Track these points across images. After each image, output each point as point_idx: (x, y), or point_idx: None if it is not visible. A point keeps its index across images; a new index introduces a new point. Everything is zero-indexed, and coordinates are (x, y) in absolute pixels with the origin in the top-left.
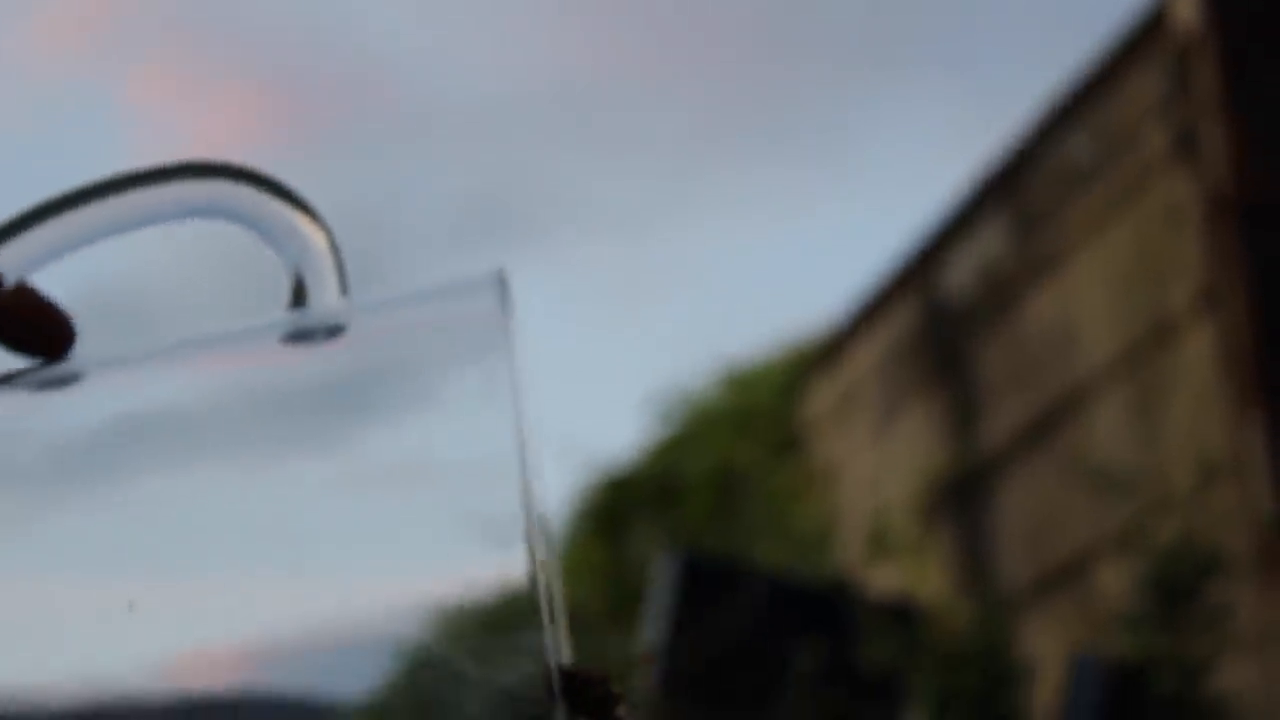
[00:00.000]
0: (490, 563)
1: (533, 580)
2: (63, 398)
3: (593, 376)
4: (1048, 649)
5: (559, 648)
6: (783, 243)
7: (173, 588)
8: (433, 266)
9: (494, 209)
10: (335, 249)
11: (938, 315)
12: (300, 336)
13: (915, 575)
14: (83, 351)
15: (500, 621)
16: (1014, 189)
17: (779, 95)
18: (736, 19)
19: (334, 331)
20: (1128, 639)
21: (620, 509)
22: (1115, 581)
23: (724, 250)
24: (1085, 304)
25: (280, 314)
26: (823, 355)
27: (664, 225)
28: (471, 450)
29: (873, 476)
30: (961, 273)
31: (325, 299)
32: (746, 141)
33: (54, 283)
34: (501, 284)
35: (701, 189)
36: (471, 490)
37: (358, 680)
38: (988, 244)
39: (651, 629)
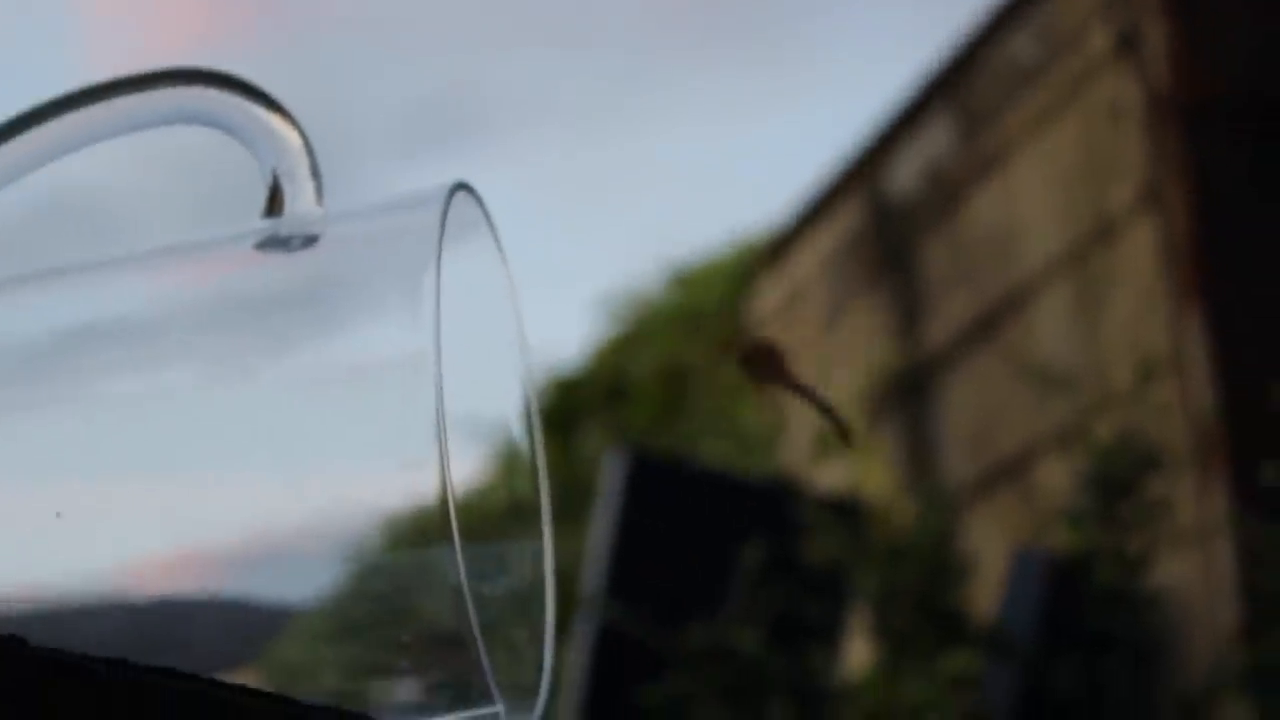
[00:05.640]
0: (429, 462)
1: (443, 485)
2: (30, 301)
3: (541, 277)
4: (990, 545)
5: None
6: (731, 143)
7: (117, 491)
8: (382, 168)
9: (444, 110)
10: (311, 154)
11: (883, 214)
12: (275, 244)
13: (861, 472)
14: (56, 254)
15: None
16: (958, 89)
17: None
18: None
19: (308, 241)
20: (1068, 534)
21: (569, 408)
22: (1057, 477)
23: (673, 151)
24: (1028, 203)
25: (256, 221)
26: (769, 254)
27: (614, 126)
28: (398, 354)
29: (819, 374)
30: (906, 172)
31: (302, 203)
32: (696, 42)
33: (25, 187)
34: (450, 196)
35: (651, 90)
36: (408, 393)
37: (309, 583)
38: (932, 143)
39: (598, 526)
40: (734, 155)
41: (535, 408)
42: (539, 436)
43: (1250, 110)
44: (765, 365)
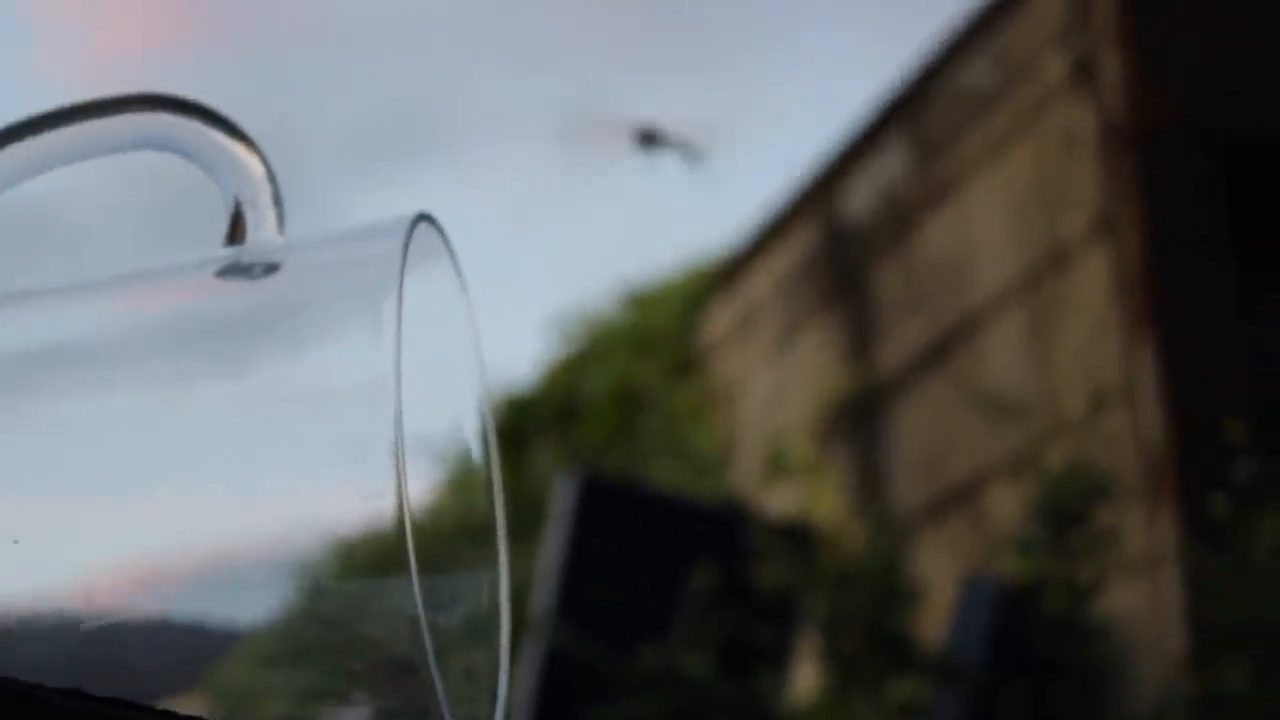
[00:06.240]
0: (371, 485)
1: (400, 509)
2: None
3: (493, 294)
4: (940, 571)
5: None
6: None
7: (70, 512)
8: (337, 182)
9: (401, 122)
10: (274, 182)
11: (837, 238)
12: (237, 272)
13: (811, 496)
14: (11, 271)
15: (389, 553)
16: (914, 114)
17: (688, 13)
18: None
19: (270, 269)
20: (1018, 561)
21: (520, 427)
22: (1007, 504)
23: (628, 167)
24: (982, 230)
25: (218, 248)
26: (723, 276)
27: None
28: (356, 379)
29: (771, 398)
30: (861, 196)
31: (264, 231)
32: (651, 62)
33: None
34: (412, 226)
35: (607, 105)
36: (357, 416)
37: (261, 606)
38: (887, 168)
39: (549, 548)
40: (689, 175)
41: (494, 440)
42: (497, 470)
43: (1204, 140)
44: None
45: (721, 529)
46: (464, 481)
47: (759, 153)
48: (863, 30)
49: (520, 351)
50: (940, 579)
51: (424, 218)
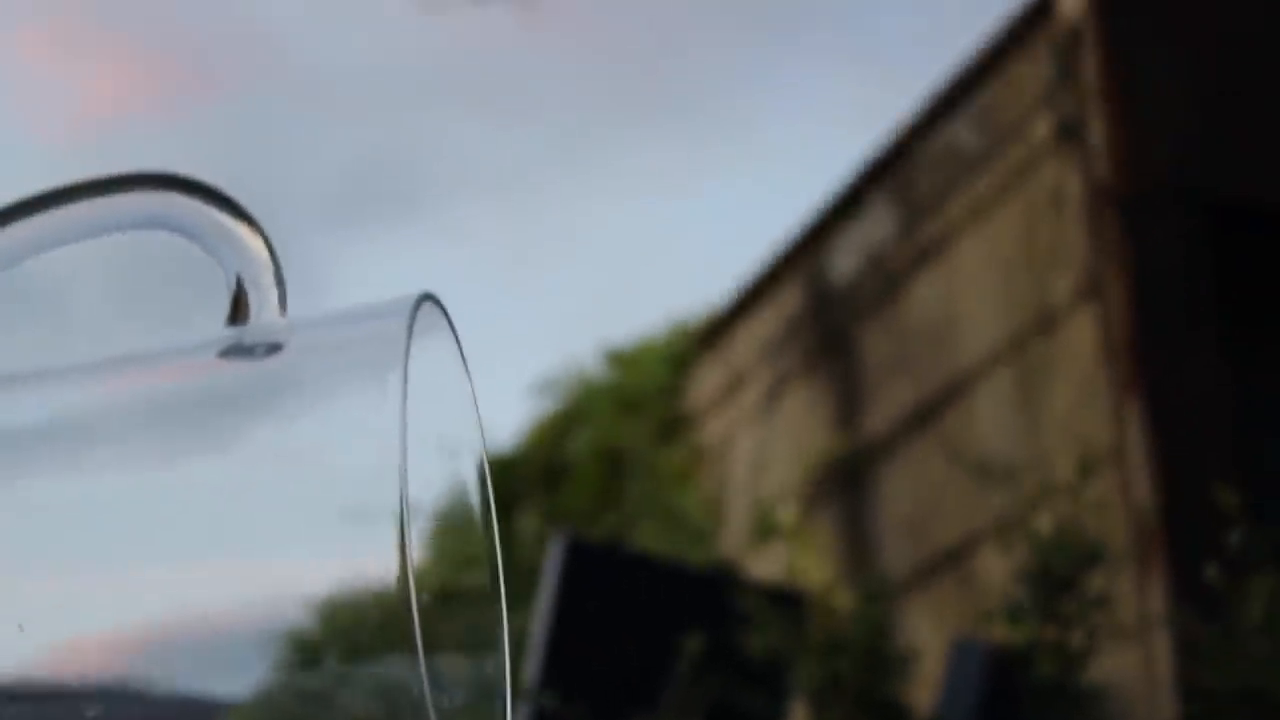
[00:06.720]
0: (368, 556)
1: (404, 576)
2: None
3: (476, 352)
4: (929, 635)
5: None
6: (672, 217)
7: (55, 580)
8: (316, 238)
9: (380, 178)
10: (276, 262)
11: (823, 299)
12: (239, 352)
13: (799, 560)
14: (8, 346)
15: (382, 620)
16: (900, 174)
17: (670, 68)
18: None
19: (272, 349)
20: (1008, 627)
21: (505, 489)
22: (996, 569)
23: (611, 225)
24: (969, 291)
25: (220, 329)
26: (709, 336)
27: (551, 198)
28: (357, 451)
29: (757, 460)
30: (847, 257)
31: (267, 312)
32: (635, 117)
33: None
34: (417, 306)
35: (588, 164)
36: (355, 487)
37: (240, 674)
38: (874, 229)
39: (536, 614)
40: (677, 230)
41: (495, 522)
42: (498, 549)
43: (1191, 201)
44: None
45: (709, 594)
46: (448, 544)
47: (747, 208)
48: (848, 81)
49: (501, 410)
50: (929, 644)
51: (427, 298)
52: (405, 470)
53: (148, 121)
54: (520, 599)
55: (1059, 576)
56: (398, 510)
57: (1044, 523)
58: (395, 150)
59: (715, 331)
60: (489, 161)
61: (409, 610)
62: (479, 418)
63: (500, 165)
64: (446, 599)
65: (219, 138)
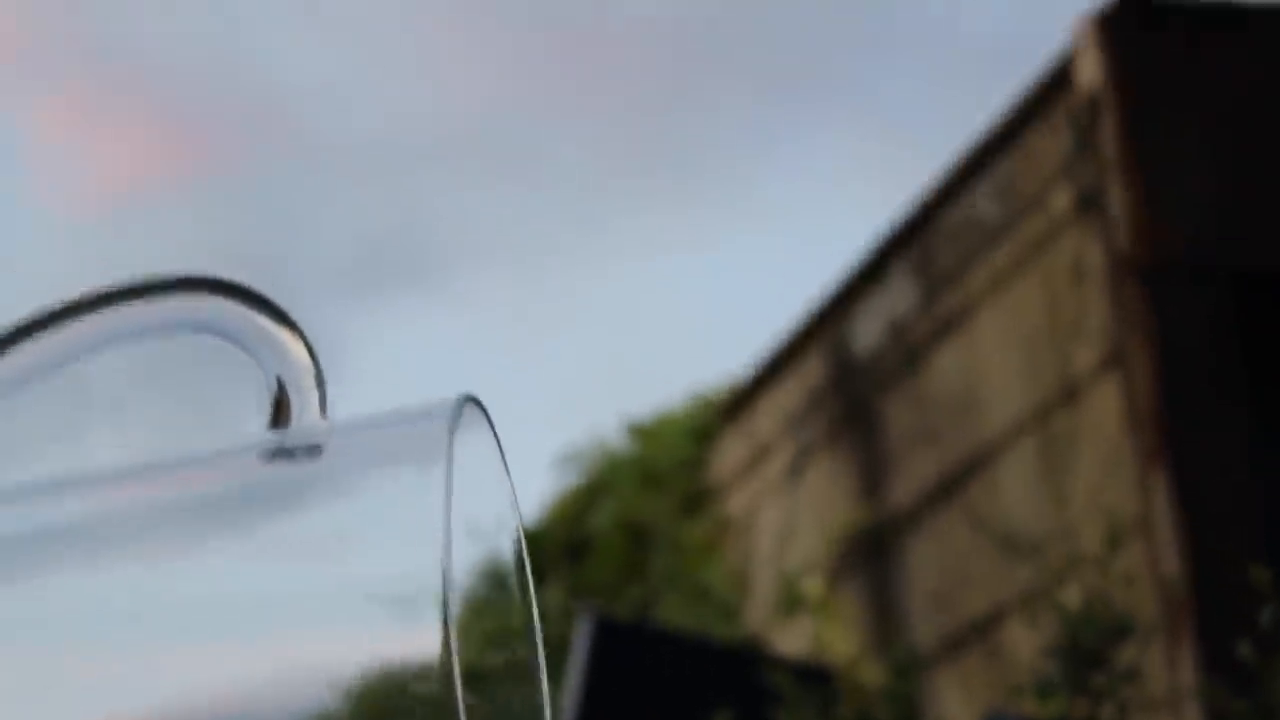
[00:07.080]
0: (400, 640)
1: (446, 660)
2: (35, 509)
3: (495, 423)
4: (958, 710)
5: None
6: (691, 287)
7: (91, 663)
8: (332, 308)
9: (394, 247)
10: (318, 365)
11: (846, 371)
12: (280, 455)
13: (825, 633)
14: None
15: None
16: (921, 246)
17: (688, 139)
18: (644, 56)
19: (313, 451)
20: (1037, 700)
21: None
22: (1024, 641)
23: (629, 294)
24: (991, 362)
25: (263, 433)
26: (731, 408)
27: (568, 266)
28: (392, 540)
29: (782, 532)
30: (869, 328)
31: (308, 415)
32: (653, 183)
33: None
34: (459, 409)
35: (608, 230)
36: (388, 574)
37: None
38: (895, 299)
39: (564, 691)
40: (697, 300)
41: (536, 613)
42: (539, 638)
43: (1213, 271)
44: None
45: (737, 669)
46: (471, 625)
47: (768, 277)
48: (873, 154)
49: (521, 481)
50: (958, 716)
51: (469, 399)
52: (450, 565)
53: (162, 193)
54: (549, 672)
55: (1088, 650)
56: (439, 598)
57: (1071, 595)
58: (409, 219)
59: (737, 403)
60: (504, 230)
61: (452, 692)
62: (519, 515)
63: (516, 234)
64: (475, 678)
65: (233, 208)
